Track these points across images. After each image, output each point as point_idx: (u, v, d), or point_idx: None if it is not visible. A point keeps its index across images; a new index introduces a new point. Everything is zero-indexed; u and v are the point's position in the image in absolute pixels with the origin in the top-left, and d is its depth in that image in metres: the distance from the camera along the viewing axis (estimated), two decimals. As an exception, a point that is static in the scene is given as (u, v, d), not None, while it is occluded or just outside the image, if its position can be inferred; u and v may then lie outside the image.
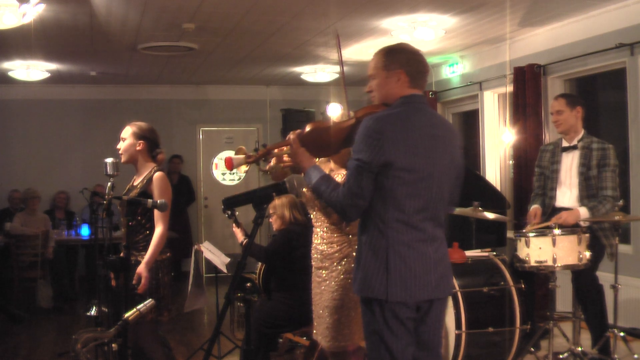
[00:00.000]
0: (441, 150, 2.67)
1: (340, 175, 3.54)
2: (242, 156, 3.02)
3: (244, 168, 3.06)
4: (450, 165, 2.71)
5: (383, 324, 2.62)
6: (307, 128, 2.84)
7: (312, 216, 3.77)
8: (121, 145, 3.96)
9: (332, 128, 2.84)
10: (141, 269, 3.69)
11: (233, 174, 10.75)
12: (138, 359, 3.86)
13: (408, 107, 2.66)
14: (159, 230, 3.76)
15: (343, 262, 3.60)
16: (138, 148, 3.92)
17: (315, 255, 3.72)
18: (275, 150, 3.00)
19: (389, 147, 2.54)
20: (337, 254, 3.61)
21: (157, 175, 3.83)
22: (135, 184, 3.93)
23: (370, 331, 2.68)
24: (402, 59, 2.69)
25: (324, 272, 3.66)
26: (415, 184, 2.59)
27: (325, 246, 3.65)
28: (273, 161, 3.39)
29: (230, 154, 10.85)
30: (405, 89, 2.69)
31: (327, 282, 3.64)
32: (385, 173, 2.55)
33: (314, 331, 3.78)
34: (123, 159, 3.94)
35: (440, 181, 2.66)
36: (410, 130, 2.60)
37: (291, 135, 2.85)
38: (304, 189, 3.65)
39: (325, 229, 3.66)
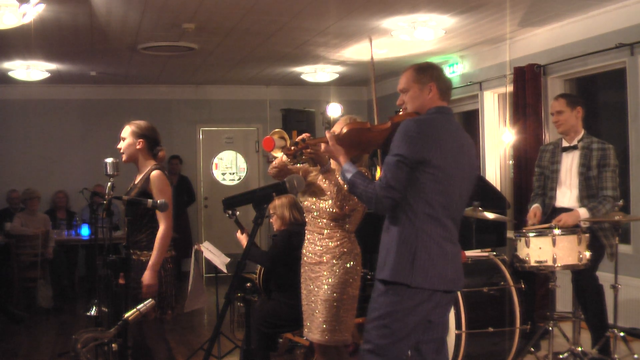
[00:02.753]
0: (464, 156, 2.95)
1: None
2: (282, 141, 3.30)
3: (278, 153, 3.36)
4: (470, 171, 3.01)
5: (397, 309, 2.81)
6: (345, 128, 3.08)
7: (308, 212, 3.78)
8: (122, 145, 3.96)
9: (370, 130, 3.06)
10: (146, 275, 3.69)
11: (233, 173, 10.78)
12: (138, 359, 3.87)
13: (441, 116, 2.95)
14: (161, 229, 3.76)
15: (343, 257, 3.65)
16: (138, 147, 3.92)
17: (313, 251, 3.73)
18: (310, 150, 3.25)
19: (427, 146, 2.81)
20: (337, 249, 3.67)
21: (154, 173, 3.83)
22: (136, 182, 3.94)
23: (380, 315, 2.84)
24: (433, 74, 3.00)
25: (322, 266, 3.69)
26: (444, 183, 2.84)
27: (326, 241, 3.69)
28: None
29: (231, 153, 10.85)
30: (436, 101, 2.98)
31: (326, 276, 3.67)
32: (420, 169, 2.80)
33: (308, 331, 3.79)
34: (124, 158, 3.94)
35: (462, 184, 2.94)
36: (443, 135, 2.88)
37: (327, 134, 3.06)
38: (320, 182, 3.68)
39: (324, 224, 3.70)
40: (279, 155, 3.53)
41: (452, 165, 2.86)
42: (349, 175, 2.92)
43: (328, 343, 3.70)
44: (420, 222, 2.82)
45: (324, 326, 3.66)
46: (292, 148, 3.23)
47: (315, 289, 3.72)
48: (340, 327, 3.66)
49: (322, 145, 3.11)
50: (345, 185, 3.11)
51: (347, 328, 3.70)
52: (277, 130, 3.44)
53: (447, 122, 2.95)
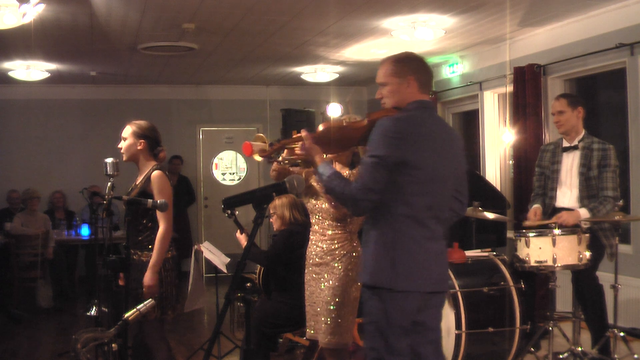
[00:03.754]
0: (448, 153, 2.84)
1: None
2: (261, 144, 3.24)
3: (259, 157, 3.27)
4: (455, 168, 2.88)
5: (385, 313, 2.74)
6: (321, 126, 2.97)
7: (312, 213, 3.79)
8: (122, 145, 3.96)
9: (346, 128, 2.96)
10: (147, 275, 3.69)
11: (233, 173, 10.79)
12: (139, 359, 3.87)
13: (421, 112, 2.83)
14: (161, 230, 3.76)
15: (344, 259, 3.66)
16: (139, 147, 3.92)
17: (315, 252, 3.74)
18: (292, 147, 3.15)
19: (405, 146, 2.69)
20: (338, 251, 3.68)
21: (155, 174, 3.83)
22: (137, 182, 3.94)
23: (372, 320, 2.79)
24: (412, 67, 2.86)
25: (324, 268, 3.69)
26: (425, 183, 2.74)
27: (328, 242, 3.70)
28: (285, 153, 3.48)
29: (231, 153, 10.85)
30: (416, 95, 2.84)
31: (328, 278, 3.68)
32: (399, 170, 2.69)
33: (311, 331, 3.79)
34: (124, 158, 3.95)
35: (446, 182, 2.83)
36: (424, 133, 2.77)
37: (303, 132, 2.95)
38: (314, 183, 3.68)
39: (327, 225, 3.70)
40: (260, 159, 3.48)
41: (435, 163, 2.75)
42: (324, 177, 2.80)
43: (331, 346, 3.70)
44: (400, 224, 2.72)
45: (327, 328, 3.67)
46: (268, 149, 3.16)
47: (318, 290, 3.73)
48: (341, 328, 3.66)
49: (299, 144, 3.00)
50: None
51: (348, 329, 3.70)
52: (258, 135, 3.44)
53: (428, 118, 2.83)
